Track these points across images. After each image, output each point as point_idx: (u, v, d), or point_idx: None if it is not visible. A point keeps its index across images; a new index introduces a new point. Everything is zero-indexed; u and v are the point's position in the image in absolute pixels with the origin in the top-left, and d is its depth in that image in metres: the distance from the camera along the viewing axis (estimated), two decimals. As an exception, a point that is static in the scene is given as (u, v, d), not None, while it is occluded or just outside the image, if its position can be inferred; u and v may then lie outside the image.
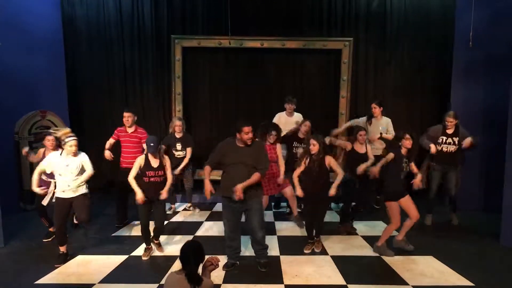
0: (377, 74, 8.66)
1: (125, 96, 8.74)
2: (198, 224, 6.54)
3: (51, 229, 5.69)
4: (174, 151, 6.82)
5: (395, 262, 4.98)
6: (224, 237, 4.84)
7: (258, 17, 8.43)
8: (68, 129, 4.87)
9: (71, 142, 4.76)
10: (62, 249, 5.00)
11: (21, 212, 7.14)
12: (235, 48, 8.37)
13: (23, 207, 7.25)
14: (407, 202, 5.13)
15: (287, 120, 7.04)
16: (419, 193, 6.32)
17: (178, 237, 5.90)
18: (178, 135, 6.84)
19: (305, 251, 5.30)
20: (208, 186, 4.59)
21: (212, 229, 6.32)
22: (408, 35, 8.52)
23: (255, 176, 4.49)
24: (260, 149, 4.64)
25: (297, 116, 7.14)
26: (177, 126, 6.81)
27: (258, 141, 4.71)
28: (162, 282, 4.30)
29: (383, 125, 6.85)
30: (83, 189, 4.99)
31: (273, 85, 8.70)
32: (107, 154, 6.31)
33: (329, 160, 5.11)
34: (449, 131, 6.29)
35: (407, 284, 4.39)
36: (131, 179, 4.96)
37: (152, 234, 5.24)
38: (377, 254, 5.22)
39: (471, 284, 4.36)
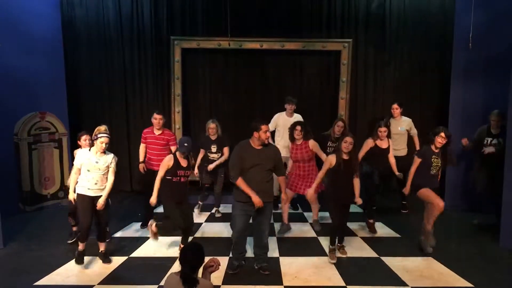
0: (377, 75, 8.68)
1: (124, 97, 8.73)
2: (197, 226, 6.52)
3: (74, 229, 5.63)
4: (208, 153, 6.76)
5: (395, 263, 4.98)
6: (232, 239, 4.82)
7: (257, 18, 8.43)
8: (104, 127, 4.80)
9: (102, 139, 4.69)
10: (81, 247, 4.88)
11: (21, 213, 7.12)
12: (235, 50, 8.37)
13: (23, 208, 7.24)
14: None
15: (286, 121, 6.95)
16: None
17: (177, 238, 5.89)
18: (213, 137, 6.75)
19: (332, 261, 4.99)
20: (256, 198, 4.40)
21: (211, 230, 6.32)
22: (407, 36, 8.54)
23: (284, 180, 4.80)
24: (277, 152, 4.68)
25: (297, 117, 7.06)
26: (210, 129, 6.74)
27: (272, 144, 4.71)
28: (162, 283, 4.30)
29: (403, 126, 6.82)
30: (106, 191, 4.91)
31: (273, 86, 8.71)
32: (142, 167, 6.32)
33: (356, 162, 5.06)
34: (495, 131, 6.14)
35: (406, 285, 4.39)
36: (158, 180, 4.95)
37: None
38: (377, 255, 5.22)
39: (470, 285, 4.36)
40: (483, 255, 5.28)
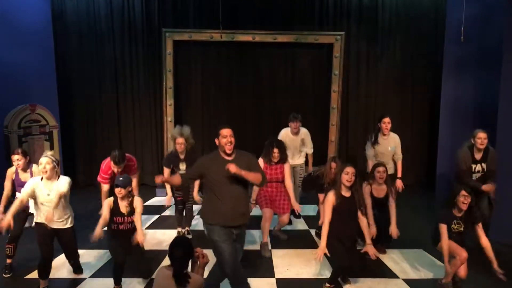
0: (369, 68, 8.70)
1: (115, 90, 8.69)
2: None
3: (9, 261, 4.65)
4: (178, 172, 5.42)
5: (386, 255, 5.01)
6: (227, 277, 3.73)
7: (250, 10, 8.41)
8: (50, 152, 4.02)
9: (42, 159, 3.84)
10: (44, 284, 4.10)
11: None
12: (227, 42, 8.33)
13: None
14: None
15: (293, 140, 6.19)
16: None
17: (168, 231, 5.89)
18: (181, 155, 5.52)
19: None
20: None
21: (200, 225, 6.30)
22: (399, 29, 8.57)
23: (257, 174, 3.63)
24: (251, 159, 3.81)
25: (304, 133, 6.34)
26: (178, 145, 5.43)
27: (241, 151, 3.80)
28: (153, 276, 4.29)
29: (392, 145, 5.74)
30: (70, 222, 4.21)
31: (265, 79, 8.70)
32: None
33: (360, 197, 4.15)
34: (478, 156, 4.99)
35: (397, 277, 4.43)
36: (103, 219, 4.05)
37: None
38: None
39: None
40: (473, 247, 5.31)
